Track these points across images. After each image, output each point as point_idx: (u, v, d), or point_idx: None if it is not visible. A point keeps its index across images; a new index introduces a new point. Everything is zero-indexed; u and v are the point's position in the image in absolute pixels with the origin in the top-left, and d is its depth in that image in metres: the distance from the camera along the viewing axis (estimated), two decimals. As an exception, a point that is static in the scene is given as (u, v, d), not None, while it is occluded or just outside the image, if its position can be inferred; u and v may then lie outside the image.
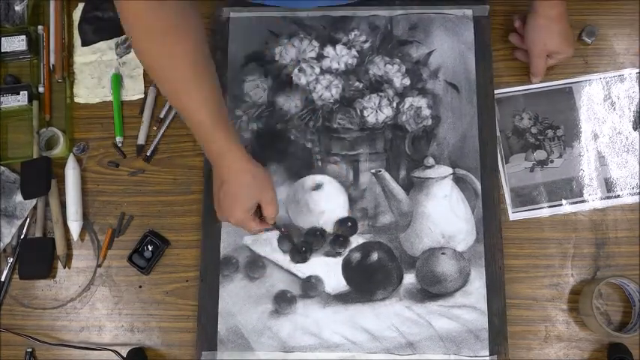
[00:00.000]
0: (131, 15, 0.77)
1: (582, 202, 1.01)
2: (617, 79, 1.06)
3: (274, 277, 0.99)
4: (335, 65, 1.06)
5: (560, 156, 1.03)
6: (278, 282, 0.98)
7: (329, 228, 1.00)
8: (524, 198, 1.02)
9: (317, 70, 1.05)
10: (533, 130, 1.04)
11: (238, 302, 0.98)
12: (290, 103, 1.04)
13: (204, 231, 1.00)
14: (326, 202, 1.00)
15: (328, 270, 0.99)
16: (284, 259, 0.99)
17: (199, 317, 0.97)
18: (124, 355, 0.96)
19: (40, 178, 1.01)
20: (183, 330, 0.99)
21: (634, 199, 1.01)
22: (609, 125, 1.04)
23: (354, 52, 1.06)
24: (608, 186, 1.02)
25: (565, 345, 0.97)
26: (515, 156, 1.03)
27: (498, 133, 1.04)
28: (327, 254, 1.00)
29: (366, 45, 1.07)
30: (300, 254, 0.99)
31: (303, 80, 1.05)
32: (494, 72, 1.05)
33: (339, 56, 1.06)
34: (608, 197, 1.02)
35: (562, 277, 0.99)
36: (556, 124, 1.04)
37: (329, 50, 1.06)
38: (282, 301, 0.97)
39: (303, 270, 0.99)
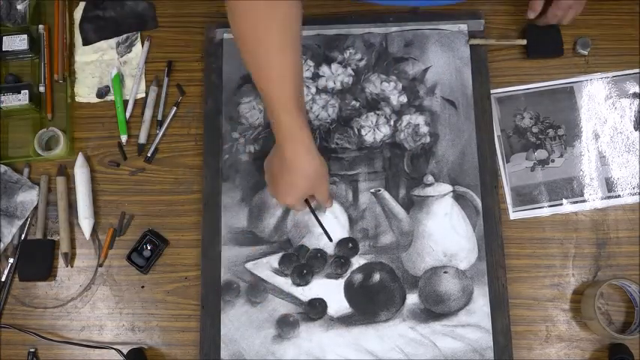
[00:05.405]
0: None
1: (583, 201, 1.01)
2: (618, 79, 1.06)
3: (276, 301, 0.97)
4: (331, 84, 1.05)
5: (561, 155, 1.03)
6: (280, 306, 0.97)
7: (330, 249, 0.99)
8: (525, 197, 1.02)
9: (313, 89, 1.04)
10: (534, 130, 1.04)
11: (240, 328, 0.96)
12: None
13: (204, 256, 0.99)
14: (326, 223, 0.98)
15: (330, 292, 0.97)
16: (285, 283, 0.98)
17: (201, 345, 0.96)
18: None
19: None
20: (184, 329, 0.99)
21: (634, 199, 1.01)
22: (610, 125, 1.04)
23: (349, 70, 1.05)
24: (609, 186, 1.02)
25: (566, 345, 0.97)
26: (516, 155, 1.03)
27: (499, 133, 1.04)
28: (329, 276, 0.98)
29: (362, 63, 1.06)
30: (301, 277, 0.98)
31: None
32: (495, 72, 1.05)
33: (335, 75, 1.05)
34: (609, 197, 1.01)
35: (563, 277, 0.99)
36: (557, 124, 1.04)
37: (324, 69, 1.05)
38: (285, 326, 0.96)
39: (305, 293, 0.97)
